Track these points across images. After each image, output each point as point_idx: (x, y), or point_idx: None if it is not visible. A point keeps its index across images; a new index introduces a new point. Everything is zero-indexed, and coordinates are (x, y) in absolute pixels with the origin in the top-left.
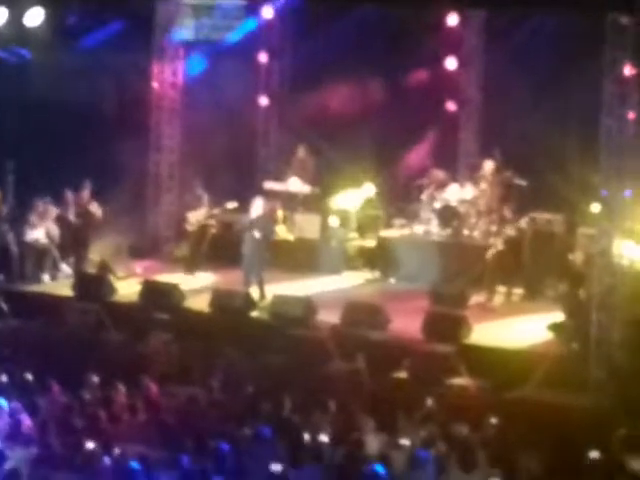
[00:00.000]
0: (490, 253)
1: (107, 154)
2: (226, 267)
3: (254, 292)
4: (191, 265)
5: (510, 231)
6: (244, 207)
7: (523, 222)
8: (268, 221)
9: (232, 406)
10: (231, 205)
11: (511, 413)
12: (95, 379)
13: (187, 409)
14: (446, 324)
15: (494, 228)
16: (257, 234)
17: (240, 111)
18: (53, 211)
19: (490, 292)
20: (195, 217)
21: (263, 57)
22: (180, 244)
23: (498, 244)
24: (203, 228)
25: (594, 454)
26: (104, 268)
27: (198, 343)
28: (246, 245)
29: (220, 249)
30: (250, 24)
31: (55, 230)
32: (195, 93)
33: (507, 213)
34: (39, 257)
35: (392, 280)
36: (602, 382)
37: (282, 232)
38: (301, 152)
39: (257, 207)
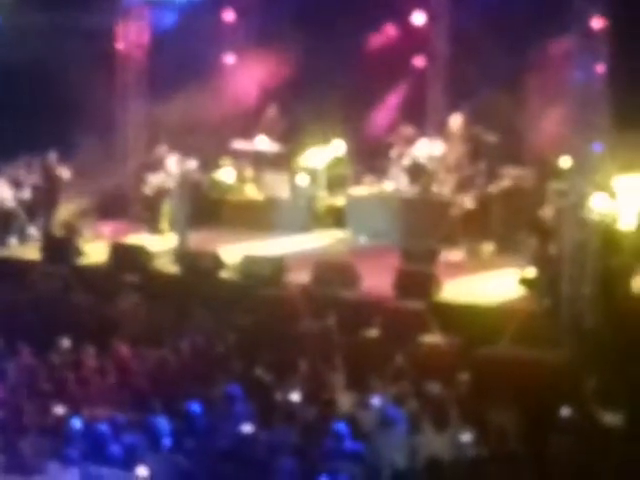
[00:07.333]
0: (461, 210)
1: (74, 116)
2: (195, 227)
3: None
4: (154, 228)
5: (491, 188)
6: (213, 166)
7: (507, 181)
8: (184, 180)
9: (202, 367)
10: (190, 165)
11: (483, 370)
12: (66, 343)
13: (157, 371)
14: (417, 281)
15: (464, 184)
16: (177, 193)
17: (206, 69)
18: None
19: (460, 249)
20: (155, 180)
21: (229, 15)
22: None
23: (469, 201)
24: (162, 191)
25: (566, 411)
26: (71, 230)
27: (167, 304)
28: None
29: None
30: None
31: (26, 194)
32: (161, 52)
33: (477, 169)
34: (6, 220)
35: (362, 238)
36: (574, 338)
37: (251, 191)
38: (271, 111)
39: (171, 165)
